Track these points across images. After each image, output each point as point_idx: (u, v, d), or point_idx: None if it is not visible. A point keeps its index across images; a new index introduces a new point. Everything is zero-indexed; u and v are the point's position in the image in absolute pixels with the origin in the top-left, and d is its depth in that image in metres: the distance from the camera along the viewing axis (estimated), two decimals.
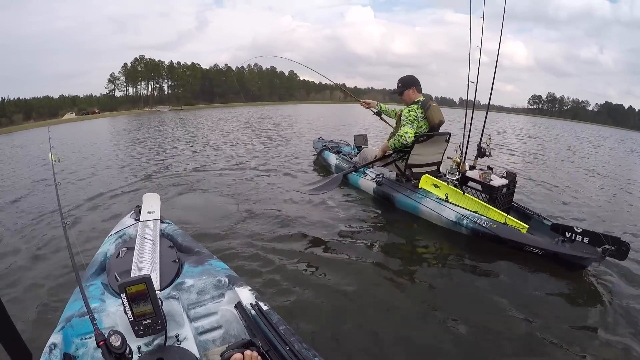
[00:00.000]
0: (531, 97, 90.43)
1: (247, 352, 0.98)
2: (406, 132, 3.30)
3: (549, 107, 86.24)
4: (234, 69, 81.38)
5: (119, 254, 1.59)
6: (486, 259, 2.56)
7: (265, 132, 11.68)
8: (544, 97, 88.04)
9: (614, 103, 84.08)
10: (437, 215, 2.99)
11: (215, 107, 47.73)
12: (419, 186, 3.22)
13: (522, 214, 3.02)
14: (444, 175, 3.49)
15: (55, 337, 1.08)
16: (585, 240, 2.39)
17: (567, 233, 2.51)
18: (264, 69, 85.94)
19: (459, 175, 3.10)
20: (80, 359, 1.09)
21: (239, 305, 1.33)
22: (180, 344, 1.17)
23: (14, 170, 6.76)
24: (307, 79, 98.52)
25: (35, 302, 2.03)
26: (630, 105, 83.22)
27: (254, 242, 2.77)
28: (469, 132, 3.23)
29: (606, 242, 2.23)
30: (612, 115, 75.68)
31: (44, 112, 58.25)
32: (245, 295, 1.34)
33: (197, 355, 1.10)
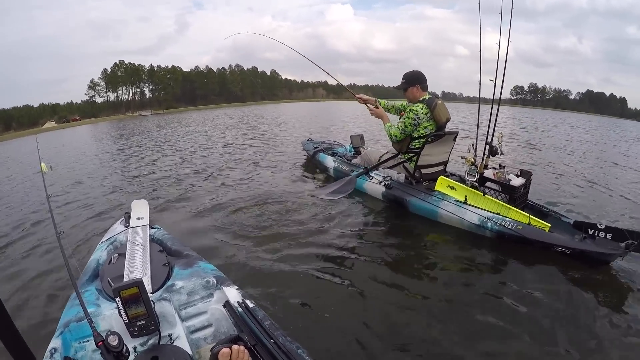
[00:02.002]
0: (513, 87, 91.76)
1: (235, 347, 1.02)
2: (395, 135, 3.29)
3: (531, 97, 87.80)
4: (215, 70, 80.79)
5: (111, 260, 1.64)
6: (511, 261, 2.50)
7: (253, 133, 11.42)
8: (526, 88, 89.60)
9: (595, 91, 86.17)
10: (458, 218, 2.86)
11: (198, 110, 47.29)
12: (435, 189, 3.08)
13: (538, 211, 2.92)
14: (451, 175, 3.42)
15: (55, 342, 1.12)
16: (609, 236, 2.38)
17: (589, 230, 2.49)
18: (245, 69, 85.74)
19: (478, 176, 2.96)
20: None
21: (227, 304, 1.38)
22: (173, 342, 1.23)
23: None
24: (289, 78, 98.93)
25: (32, 310, 2.07)
26: (612, 93, 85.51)
27: (248, 246, 2.71)
28: (488, 129, 3.10)
29: (630, 238, 2.23)
30: (594, 103, 77.41)
31: (24, 122, 57.22)
32: (233, 294, 1.39)
33: (190, 352, 1.17)
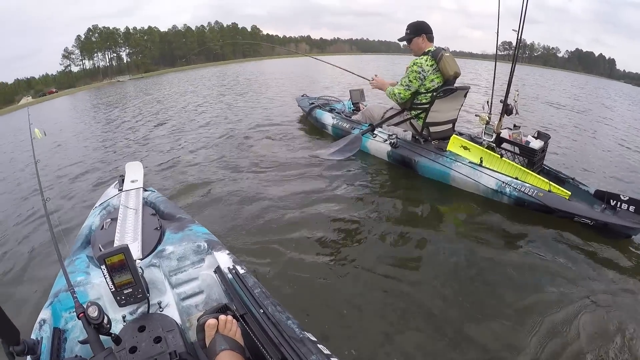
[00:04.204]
0: (501, 43, 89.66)
1: (222, 317, 1.01)
2: (399, 93, 3.03)
3: (519, 53, 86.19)
4: (193, 28, 77.21)
5: (103, 225, 1.59)
6: (531, 229, 2.32)
7: (245, 91, 10.95)
8: (514, 44, 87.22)
9: (583, 50, 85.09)
10: (473, 182, 2.65)
11: (177, 71, 45.54)
12: (447, 149, 2.85)
13: (555, 177, 2.71)
14: (460, 134, 3.14)
15: (45, 313, 1.10)
16: (631, 208, 2.21)
17: (612, 201, 2.31)
18: (225, 26, 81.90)
19: (494, 136, 2.70)
20: (70, 332, 1.10)
21: (218, 270, 1.33)
22: (163, 310, 1.20)
23: None
24: (270, 33, 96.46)
25: (25, 282, 2.05)
26: (601, 53, 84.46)
27: (242, 210, 2.59)
28: (508, 87, 2.77)
29: None
30: (583, 62, 76.60)
31: None
32: (224, 259, 1.34)
33: (179, 320, 1.15)
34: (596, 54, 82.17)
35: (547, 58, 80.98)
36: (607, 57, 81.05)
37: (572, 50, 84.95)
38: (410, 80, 2.95)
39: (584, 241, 2.18)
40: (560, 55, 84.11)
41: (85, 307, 0.89)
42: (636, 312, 1.64)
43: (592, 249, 2.12)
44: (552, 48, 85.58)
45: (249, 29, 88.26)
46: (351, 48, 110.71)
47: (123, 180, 2.02)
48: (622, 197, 2.26)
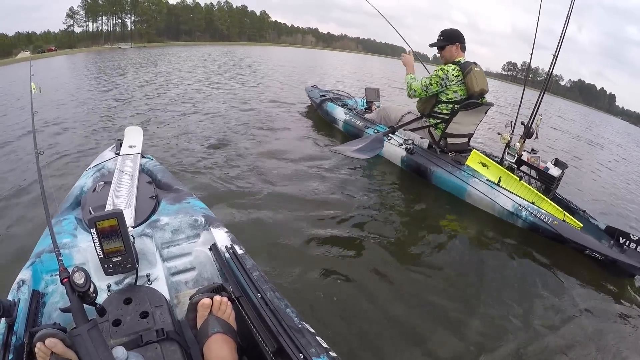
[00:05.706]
0: (506, 63, 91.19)
1: (217, 298, 0.95)
2: (415, 89, 2.98)
3: (522, 75, 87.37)
4: (202, 5, 76.64)
5: (95, 188, 1.54)
6: (540, 258, 2.29)
7: (245, 72, 10.96)
8: (519, 65, 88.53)
9: (586, 82, 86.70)
10: (490, 201, 2.59)
11: (181, 45, 44.90)
12: (466, 163, 2.77)
13: (566, 207, 2.67)
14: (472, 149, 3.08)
15: (24, 274, 1.04)
16: (639, 249, 2.20)
17: (621, 238, 2.29)
18: (234, 7, 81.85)
19: (516, 157, 2.64)
20: (50, 296, 1.06)
21: (213, 247, 1.28)
22: (151, 283, 1.14)
23: None
24: (279, 20, 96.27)
25: (7, 238, 1.95)
26: (602, 87, 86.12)
27: (243, 194, 2.53)
28: (534, 110, 2.73)
29: None
30: (584, 93, 77.95)
31: None
32: (221, 237, 1.28)
33: (167, 296, 1.09)
34: (598, 87, 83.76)
35: (549, 84, 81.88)
36: (608, 92, 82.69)
37: (575, 81, 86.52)
38: (430, 83, 2.87)
39: (588, 272, 2.18)
40: (562, 83, 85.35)
41: (70, 272, 0.80)
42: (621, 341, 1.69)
43: (594, 281, 2.13)
44: (556, 75, 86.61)
45: (258, 13, 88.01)
46: (357, 46, 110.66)
47: (121, 144, 1.96)
48: (632, 237, 2.25)
